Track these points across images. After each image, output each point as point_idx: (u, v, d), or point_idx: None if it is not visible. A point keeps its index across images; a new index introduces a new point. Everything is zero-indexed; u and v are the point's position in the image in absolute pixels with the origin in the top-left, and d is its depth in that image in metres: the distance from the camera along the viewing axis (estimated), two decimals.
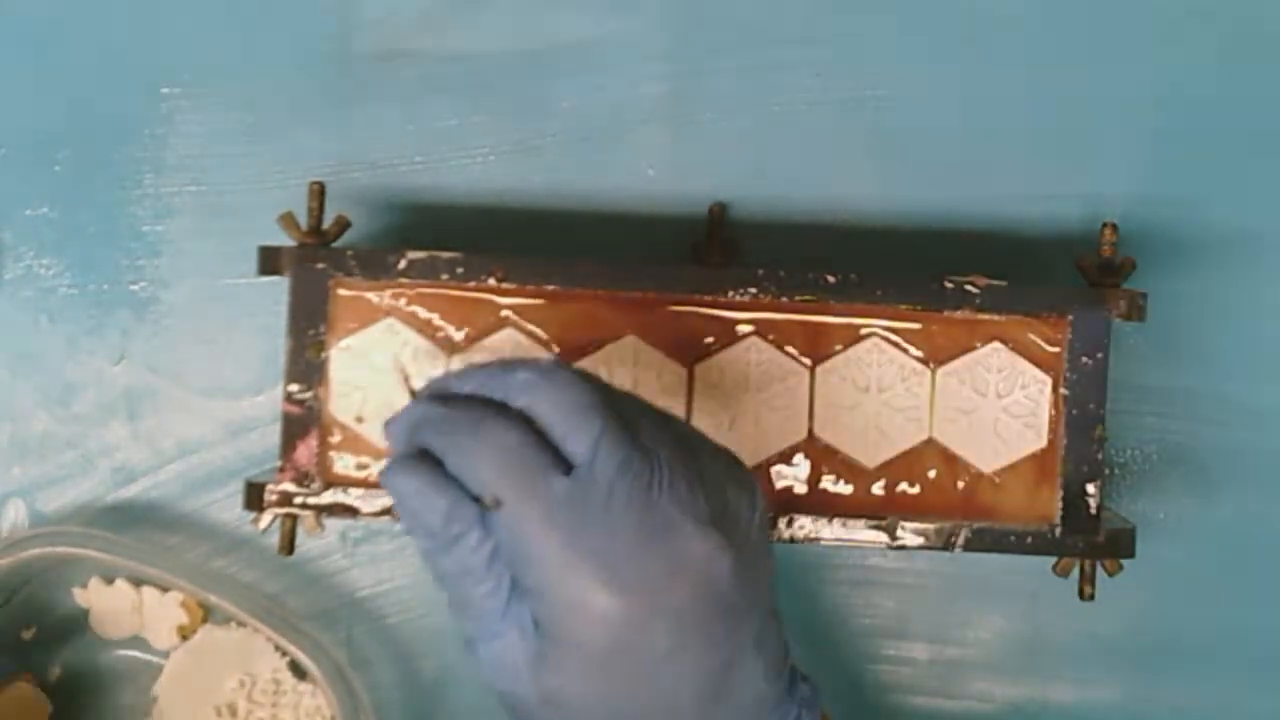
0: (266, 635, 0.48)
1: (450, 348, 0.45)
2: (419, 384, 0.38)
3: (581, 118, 0.50)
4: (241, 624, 0.49)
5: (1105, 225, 0.46)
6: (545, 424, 0.35)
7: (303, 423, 0.44)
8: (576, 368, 0.37)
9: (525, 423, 0.35)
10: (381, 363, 0.45)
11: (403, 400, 0.38)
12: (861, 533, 0.44)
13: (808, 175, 0.50)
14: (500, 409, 0.36)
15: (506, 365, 0.37)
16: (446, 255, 0.44)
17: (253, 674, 0.49)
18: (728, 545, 0.35)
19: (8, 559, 0.48)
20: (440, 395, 0.37)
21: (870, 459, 0.45)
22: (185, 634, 0.50)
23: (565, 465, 0.35)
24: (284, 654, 0.49)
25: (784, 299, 0.44)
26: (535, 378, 0.36)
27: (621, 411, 0.36)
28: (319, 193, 0.46)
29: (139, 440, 0.51)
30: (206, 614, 0.50)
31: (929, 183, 0.50)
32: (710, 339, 0.45)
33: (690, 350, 0.45)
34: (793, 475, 0.45)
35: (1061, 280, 0.47)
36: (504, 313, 0.45)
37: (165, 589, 0.49)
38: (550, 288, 0.45)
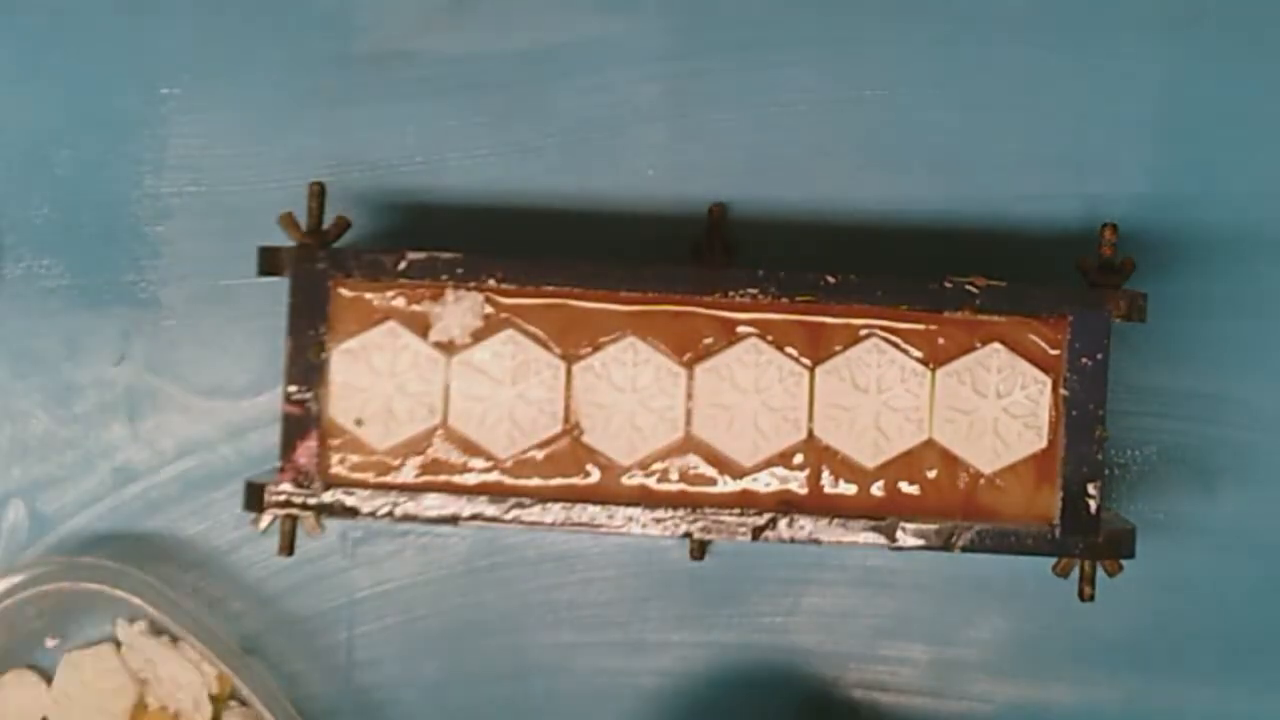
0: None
1: (450, 349, 0.45)
2: None
3: (581, 118, 0.50)
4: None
5: (1105, 225, 0.46)
6: None
7: (303, 423, 0.44)
8: None
9: None
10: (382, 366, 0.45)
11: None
12: (861, 534, 0.44)
13: (808, 175, 0.50)
14: None
15: None
16: (446, 255, 0.44)
17: None
18: None
19: (31, 591, 0.48)
20: None
21: (870, 459, 0.45)
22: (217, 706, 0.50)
23: None
24: None
25: (784, 299, 0.44)
26: None
27: None
28: (319, 193, 0.46)
29: (139, 440, 0.51)
30: (233, 689, 0.50)
31: (929, 183, 0.50)
32: (710, 339, 0.45)
33: (690, 350, 0.45)
34: (793, 475, 0.45)
35: (1061, 280, 0.47)
36: (504, 313, 0.45)
37: (176, 638, 0.49)
38: (550, 288, 0.45)
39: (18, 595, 0.48)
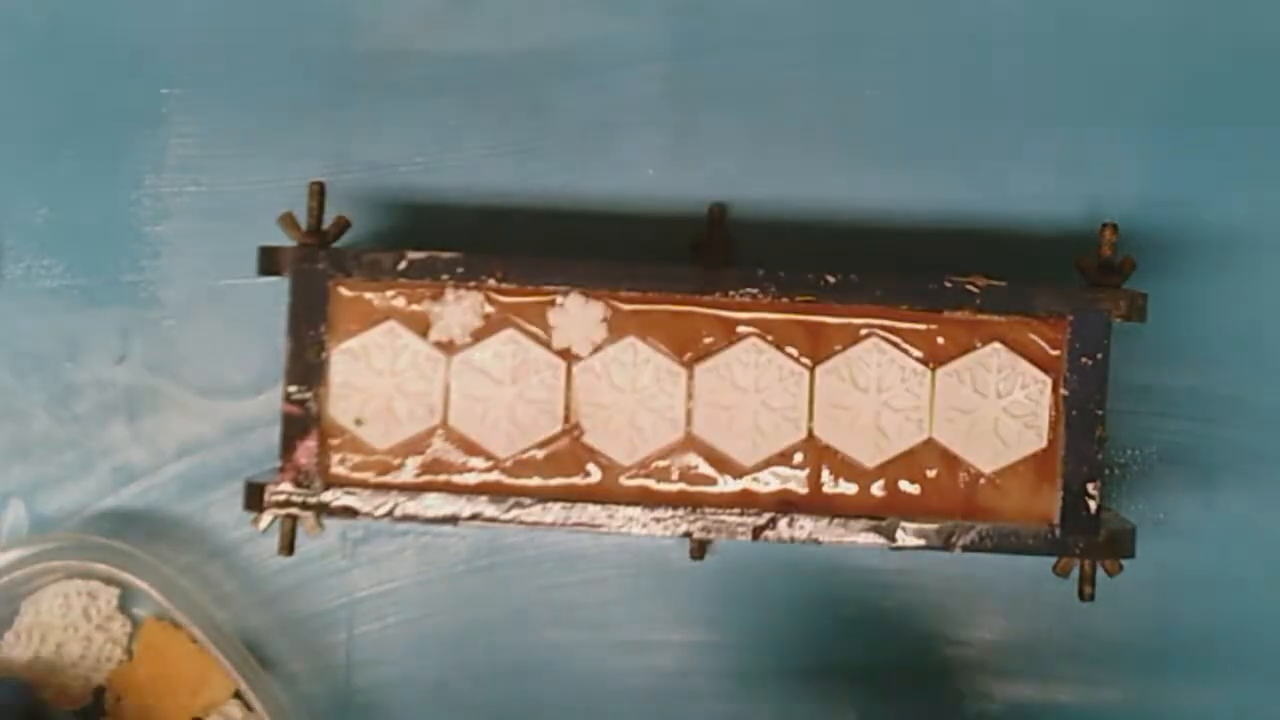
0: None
1: (450, 349, 0.45)
2: None
3: (581, 118, 0.51)
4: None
5: (1105, 225, 0.46)
6: None
7: (302, 423, 0.44)
8: None
9: None
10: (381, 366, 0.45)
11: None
12: (861, 534, 0.44)
13: (808, 175, 0.50)
14: None
15: None
16: (446, 255, 0.44)
17: None
18: None
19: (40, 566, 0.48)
20: None
21: (870, 459, 0.45)
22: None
23: None
24: None
25: (784, 299, 0.44)
26: None
27: None
28: (319, 193, 0.46)
29: (139, 440, 0.51)
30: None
31: (929, 183, 0.50)
32: (710, 339, 0.45)
33: (690, 350, 0.45)
34: (793, 475, 0.45)
35: (1061, 280, 0.47)
36: (504, 313, 0.45)
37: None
38: (550, 287, 0.45)
39: (28, 568, 0.48)
